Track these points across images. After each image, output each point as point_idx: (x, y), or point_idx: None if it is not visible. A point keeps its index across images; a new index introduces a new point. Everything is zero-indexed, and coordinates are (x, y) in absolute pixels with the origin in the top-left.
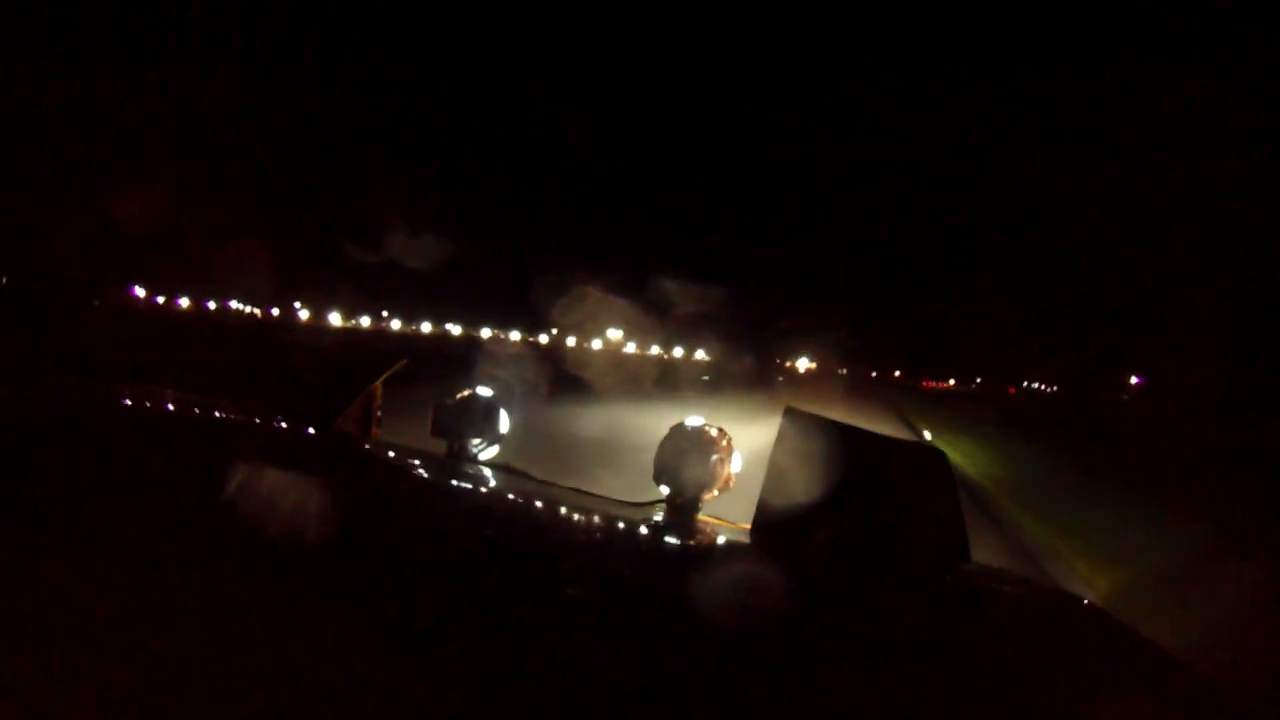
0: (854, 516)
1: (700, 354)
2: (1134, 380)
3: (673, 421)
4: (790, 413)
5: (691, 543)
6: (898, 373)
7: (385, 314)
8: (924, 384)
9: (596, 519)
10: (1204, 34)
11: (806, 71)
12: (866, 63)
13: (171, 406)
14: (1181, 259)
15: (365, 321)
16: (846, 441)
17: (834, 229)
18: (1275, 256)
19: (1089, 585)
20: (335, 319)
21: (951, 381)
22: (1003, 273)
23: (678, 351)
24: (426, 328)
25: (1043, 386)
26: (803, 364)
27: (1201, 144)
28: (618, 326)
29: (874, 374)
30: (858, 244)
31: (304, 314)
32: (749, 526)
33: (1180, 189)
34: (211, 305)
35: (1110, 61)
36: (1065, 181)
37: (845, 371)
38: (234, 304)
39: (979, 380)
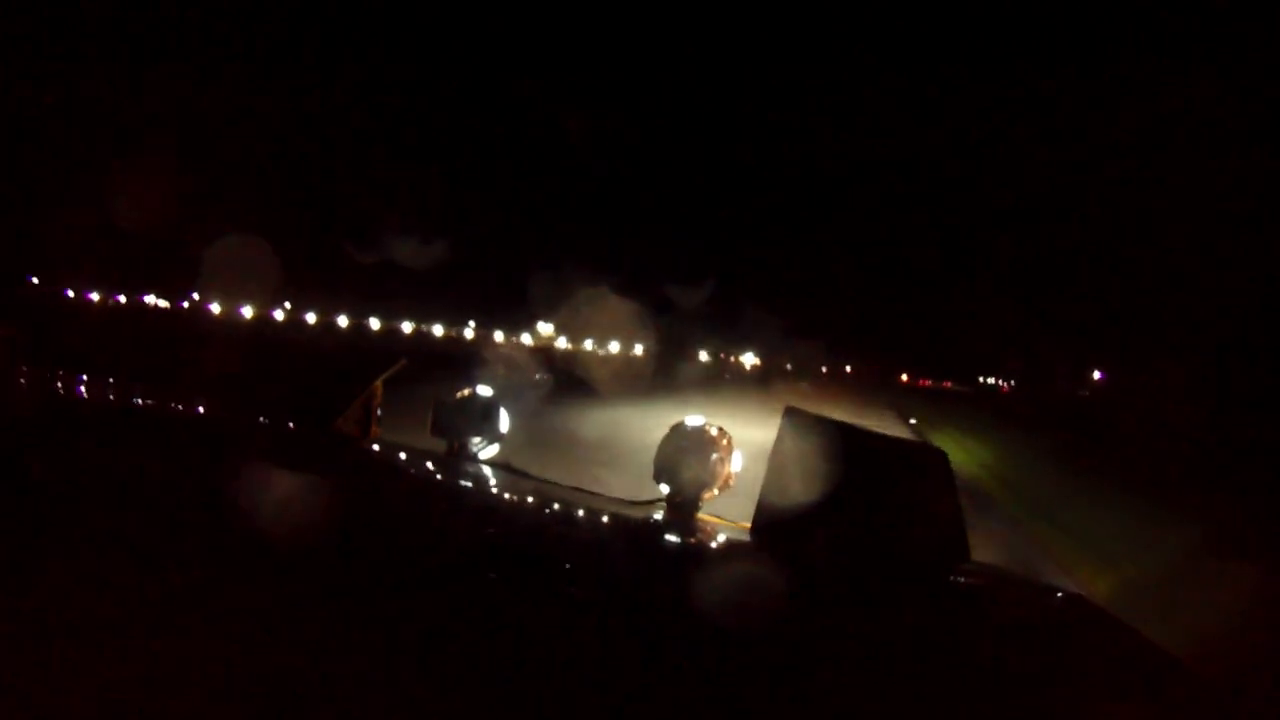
0: (854, 516)
1: (638, 349)
2: (1096, 375)
3: (673, 421)
4: (790, 412)
5: (691, 542)
6: (849, 368)
7: (289, 305)
8: (921, 382)
9: (596, 518)
10: (1167, 34)
11: (806, 70)
12: (866, 62)
13: (171, 406)
14: (1147, 256)
15: (278, 315)
16: (846, 441)
17: (793, 228)
18: (1244, 254)
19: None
20: (247, 311)
21: (904, 377)
22: (965, 271)
23: (614, 347)
24: (343, 320)
25: (999, 382)
26: (749, 360)
27: (1174, 147)
28: (547, 320)
29: (824, 369)
30: (822, 244)
31: (215, 307)
32: (749, 526)
33: (1149, 191)
34: (123, 299)
35: (1110, 62)
36: (1033, 182)
37: (791, 368)
38: (149, 298)
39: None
